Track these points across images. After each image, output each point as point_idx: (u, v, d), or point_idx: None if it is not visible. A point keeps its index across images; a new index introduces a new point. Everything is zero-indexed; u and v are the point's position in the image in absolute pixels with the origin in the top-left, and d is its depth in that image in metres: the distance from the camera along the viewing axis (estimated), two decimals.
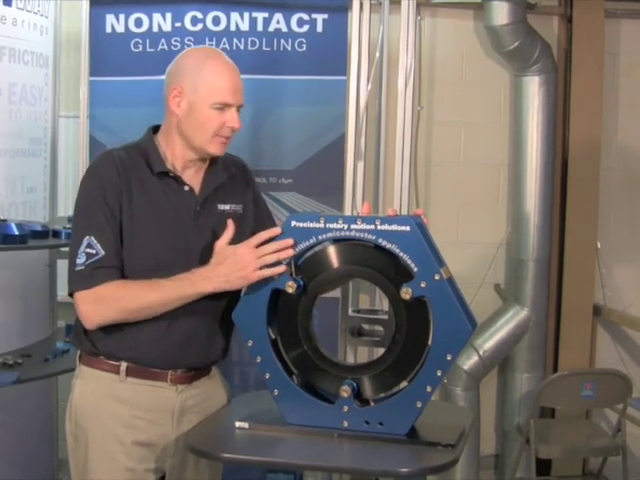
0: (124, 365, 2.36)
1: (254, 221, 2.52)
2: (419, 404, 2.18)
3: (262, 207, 2.60)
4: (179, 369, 2.40)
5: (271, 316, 2.29)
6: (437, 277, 2.14)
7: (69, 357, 3.42)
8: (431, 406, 2.23)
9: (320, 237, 2.23)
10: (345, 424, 2.22)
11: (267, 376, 2.29)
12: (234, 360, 3.91)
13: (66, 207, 4.02)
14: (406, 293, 2.15)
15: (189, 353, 2.40)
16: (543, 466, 4.40)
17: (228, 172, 2.47)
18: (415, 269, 2.15)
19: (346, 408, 2.22)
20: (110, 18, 3.95)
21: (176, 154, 2.39)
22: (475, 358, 4.48)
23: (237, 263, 2.23)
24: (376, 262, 2.21)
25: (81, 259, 2.27)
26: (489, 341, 4.51)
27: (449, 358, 2.15)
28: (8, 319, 3.51)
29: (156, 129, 2.46)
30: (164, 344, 2.34)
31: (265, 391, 2.34)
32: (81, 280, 2.28)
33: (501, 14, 4.28)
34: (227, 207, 2.44)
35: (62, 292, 3.93)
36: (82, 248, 2.27)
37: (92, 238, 2.27)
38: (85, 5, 3.94)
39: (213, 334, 2.43)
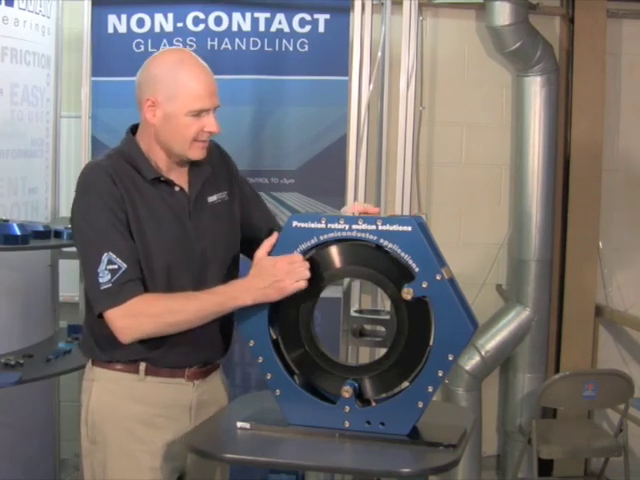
0: (143, 365, 2.36)
1: (240, 202, 2.52)
2: (420, 404, 2.18)
3: (245, 184, 2.59)
4: (195, 365, 2.42)
5: (272, 316, 2.29)
6: (438, 277, 2.14)
7: (71, 357, 3.42)
8: (433, 406, 2.23)
9: (321, 237, 2.22)
10: (347, 424, 2.22)
11: (268, 376, 2.30)
12: (236, 360, 3.91)
13: (68, 207, 3.93)
14: (407, 293, 2.15)
15: (205, 349, 2.43)
16: (545, 466, 4.40)
17: (211, 163, 2.45)
18: (416, 269, 2.15)
19: (347, 408, 2.22)
20: (112, 18, 3.95)
21: (159, 159, 2.37)
22: (477, 358, 4.48)
23: (275, 275, 2.21)
24: (377, 262, 2.21)
25: (104, 277, 2.23)
26: (491, 341, 4.51)
27: (450, 358, 2.14)
28: (10, 319, 3.51)
29: (135, 128, 2.43)
30: (181, 344, 2.34)
31: (267, 391, 2.34)
32: (110, 298, 2.24)
33: (503, 14, 4.28)
34: (215, 198, 2.45)
35: (64, 292, 3.95)
36: (103, 266, 2.23)
37: (111, 254, 2.24)
38: (87, 5, 3.93)
39: (224, 327, 2.45)
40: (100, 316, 2.28)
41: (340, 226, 2.21)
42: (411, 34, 3.97)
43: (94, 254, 2.26)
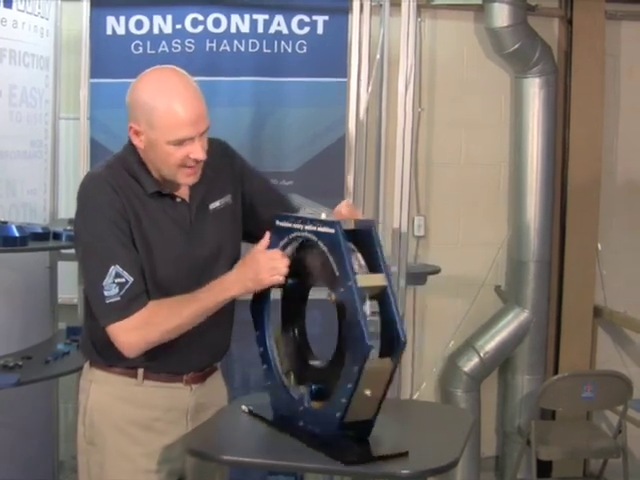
0: (141, 369, 2.36)
1: (253, 195, 2.50)
2: (338, 414, 2.12)
3: (254, 178, 2.55)
4: (193, 370, 2.43)
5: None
6: (349, 283, 2.08)
7: (70, 359, 3.42)
8: (431, 408, 2.23)
9: (290, 237, 2.25)
10: (300, 423, 2.22)
11: (264, 366, 2.33)
12: (235, 362, 3.91)
13: (67, 209, 4.01)
14: (330, 297, 2.13)
15: (203, 355, 2.43)
16: (544, 468, 4.40)
17: (211, 168, 2.40)
18: (337, 273, 2.12)
19: (301, 408, 2.22)
20: (111, 20, 3.95)
21: (157, 173, 2.34)
22: (476, 360, 4.49)
23: (256, 268, 2.23)
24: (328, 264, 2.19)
25: (112, 290, 2.21)
26: (490, 343, 4.52)
27: (355, 370, 2.07)
28: (8, 321, 3.51)
29: None
30: (179, 351, 2.34)
31: (265, 393, 2.37)
32: (117, 312, 2.23)
33: (501, 16, 4.29)
34: (217, 204, 2.42)
35: (63, 294, 3.95)
36: (109, 279, 2.21)
37: (118, 267, 2.22)
38: (86, 7, 3.93)
39: (223, 330, 2.46)
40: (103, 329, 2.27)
41: (298, 226, 2.22)
42: (409, 36, 3.96)
43: (99, 267, 2.23)
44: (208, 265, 2.36)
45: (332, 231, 2.12)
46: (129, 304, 2.23)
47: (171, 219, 2.35)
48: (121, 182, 2.30)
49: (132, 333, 2.24)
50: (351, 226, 2.18)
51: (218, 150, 2.45)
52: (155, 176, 2.34)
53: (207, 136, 2.32)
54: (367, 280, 2.12)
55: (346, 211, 2.30)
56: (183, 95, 2.25)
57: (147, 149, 2.29)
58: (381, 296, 2.13)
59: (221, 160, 2.46)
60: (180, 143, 2.24)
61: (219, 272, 2.34)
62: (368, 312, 2.09)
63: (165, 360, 2.34)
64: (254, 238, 2.38)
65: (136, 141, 2.30)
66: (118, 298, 2.22)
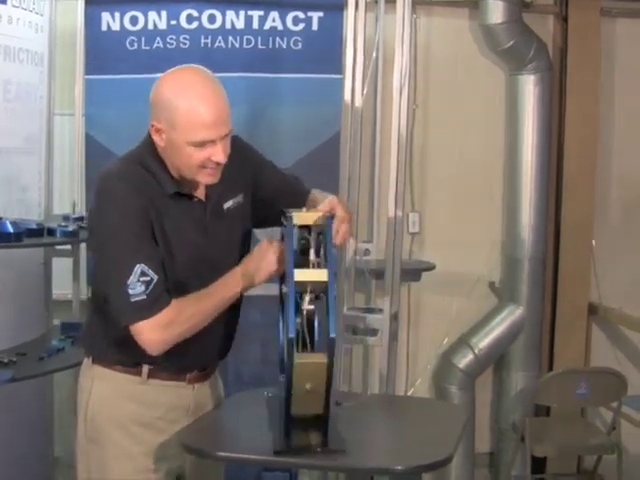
0: (146, 367, 2.36)
1: (268, 187, 2.51)
2: (284, 407, 2.17)
3: (268, 170, 2.57)
4: (196, 369, 2.43)
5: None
6: (287, 277, 2.13)
7: (64, 355, 3.42)
8: (425, 404, 2.23)
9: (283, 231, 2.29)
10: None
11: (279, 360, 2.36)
12: (229, 359, 3.89)
13: (61, 205, 4.02)
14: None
15: (209, 354, 2.45)
16: (538, 464, 4.40)
17: (225, 166, 2.36)
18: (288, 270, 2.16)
19: (281, 397, 2.25)
20: (106, 16, 3.95)
21: (176, 172, 2.33)
22: (470, 356, 4.49)
23: (258, 259, 2.27)
24: None
25: (137, 289, 2.18)
26: (484, 339, 4.52)
27: (286, 362, 2.11)
28: (2, 317, 3.51)
29: None
30: (186, 350, 2.33)
31: (260, 390, 2.42)
32: (142, 310, 2.20)
33: (496, 13, 4.29)
34: (230, 203, 2.42)
35: (57, 290, 3.95)
36: (134, 278, 2.18)
37: (143, 265, 2.19)
38: (80, 3, 3.93)
39: (228, 329, 2.47)
40: (126, 328, 2.25)
41: (285, 222, 2.26)
42: (404, 32, 3.96)
43: (123, 265, 2.20)
44: (220, 264, 2.35)
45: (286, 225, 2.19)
46: (153, 303, 2.21)
47: (189, 219, 2.34)
48: (140, 180, 2.28)
49: (157, 331, 2.22)
50: (309, 222, 2.21)
51: (232, 144, 2.41)
52: (174, 175, 2.32)
53: (229, 139, 2.30)
54: (306, 275, 2.14)
55: (323, 207, 2.30)
56: (206, 96, 2.23)
57: (167, 148, 2.27)
58: (326, 292, 2.15)
59: (232, 154, 2.41)
60: (201, 145, 2.22)
61: (227, 270, 2.34)
62: (305, 306, 2.14)
63: (172, 359, 2.32)
64: (269, 225, 2.45)
65: (157, 139, 2.27)
66: (144, 297, 2.19)
